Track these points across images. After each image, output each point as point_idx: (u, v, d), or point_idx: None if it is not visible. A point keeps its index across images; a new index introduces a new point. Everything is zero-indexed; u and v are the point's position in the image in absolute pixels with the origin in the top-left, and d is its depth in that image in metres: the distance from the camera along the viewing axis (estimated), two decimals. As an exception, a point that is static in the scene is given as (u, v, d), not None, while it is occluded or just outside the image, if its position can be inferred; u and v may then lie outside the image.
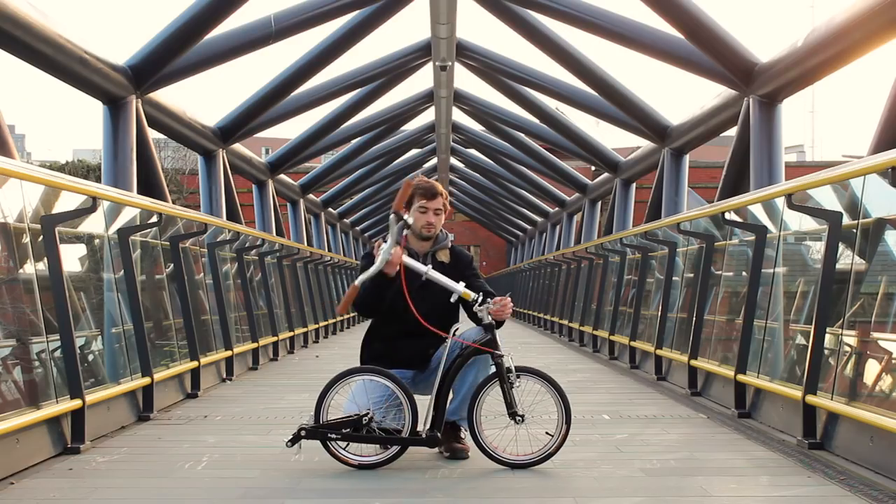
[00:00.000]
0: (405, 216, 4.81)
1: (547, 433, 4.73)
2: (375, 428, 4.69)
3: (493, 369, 4.78)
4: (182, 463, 4.92)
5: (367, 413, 4.67)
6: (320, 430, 4.68)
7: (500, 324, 4.84)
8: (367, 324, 5.17)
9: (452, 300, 4.82)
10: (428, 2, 12.20)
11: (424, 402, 4.81)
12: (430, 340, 4.94)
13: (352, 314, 20.92)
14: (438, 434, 4.72)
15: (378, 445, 4.75)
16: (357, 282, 4.80)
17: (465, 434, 4.95)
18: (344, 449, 4.72)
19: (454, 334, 4.82)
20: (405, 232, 4.91)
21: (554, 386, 4.74)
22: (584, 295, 14.33)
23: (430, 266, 4.89)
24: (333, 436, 4.68)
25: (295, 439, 4.65)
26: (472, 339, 4.80)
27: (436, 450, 5.01)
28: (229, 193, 14.64)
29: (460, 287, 4.79)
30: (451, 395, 4.85)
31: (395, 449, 4.71)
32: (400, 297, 4.81)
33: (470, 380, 4.81)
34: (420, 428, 4.72)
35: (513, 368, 4.70)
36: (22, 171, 4.93)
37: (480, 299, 4.76)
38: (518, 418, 4.66)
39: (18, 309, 5.28)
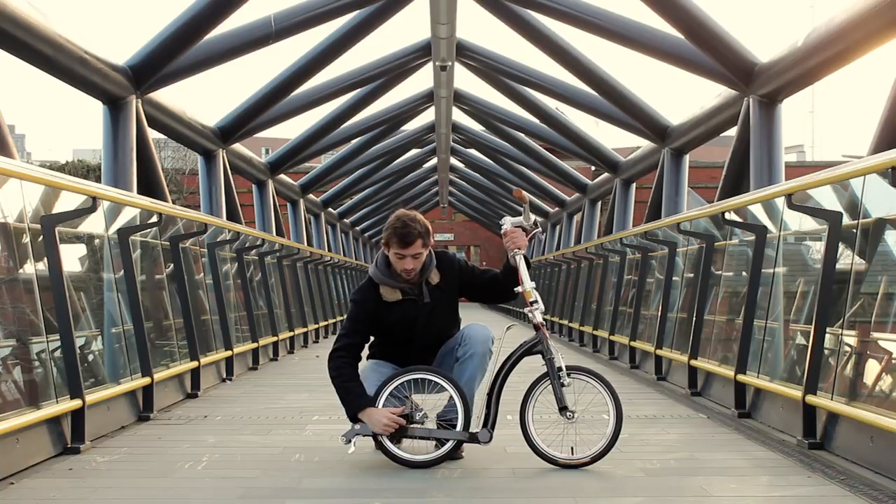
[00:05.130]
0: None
1: (596, 433, 4.71)
2: (426, 425, 4.74)
3: (541, 367, 4.79)
4: (182, 463, 4.92)
5: (421, 410, 4.73)
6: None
7: (528, 262, 4.86)
8: None
9: (517, 290, 4.83)
10: (428, 2, 12.20)
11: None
12: (430, 348, 4.98)
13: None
14: (491, 432, 4.74)
15: (431, 443, 4.76)
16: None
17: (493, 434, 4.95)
18: (396, 446, 4.74)
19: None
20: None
21: (605, 383, 4.74)
22: (583, 295, 14.34)
23: (524, 283, 4.84)
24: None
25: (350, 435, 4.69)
26: (479, 336, 4.84)
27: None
28: (229, 193, 14.63)
29: (528, 286, 4.79)
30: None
31: (448, 446, 4.72)
32: (409, 327, 4.88)
33: (466, 377, 4.82)
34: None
35: (563, 367, 4.70)
36: (22, 171, 4.93)
37: (534, 299, 4.77)
38: (569, 414, 4.65)
39: (18, 309, 5.28)
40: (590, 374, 4.77)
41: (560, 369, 4.68)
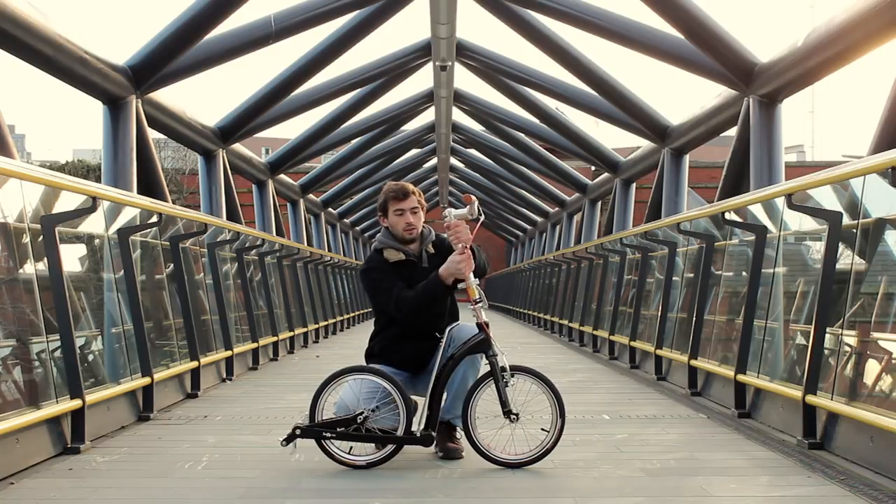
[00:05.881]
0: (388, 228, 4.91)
1: (542, 429, 4.72)
2: (371, 427, 4.69)
3: (484, 366, 4.79)
4: (182, 463, 4.92)
5: (362, 412, 4.68)
6: (315, 430, 4.68)
7: (482, 271, 4.84)
8: (368, 325, 5.19)
9: (459, 286, 4.80)
10: (428, 2, 12.20)
11: (420, 402, 4.82)
12: (428, 344, 4.96)
13: (352, 314, 20.91)
14: (433, 433, 4.73)
15: (373, 445, 4.75)
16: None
17: (460, 434, 4.95)
18: (339, 449, 4.73)
19: (449, 332, 4.85)
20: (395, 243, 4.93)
21: (548, 384, 4.74)
22: (584, 295, 14.33)
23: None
24: (328, 435, 4.69)
25: (290, 438, 4.66)
26: (467, 336, 4.81)
27: (433, 450, 5.01)
28: (229, 193, 14.64)
29: (473, 282, 4.77)
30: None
31: (389, 448, 4.71)
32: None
33: (459, 377, 4.82)
34: (415, 427, 4.72)
35: (507, 367, 4.70)
36: (22, 171, 4.93)
37: (478, 298, 4.76)
38: (513, 417, 4.66)
39: (18, 309, 5.28)
40: (533, 375, 4.76)
41: (504, 369, 4.68)
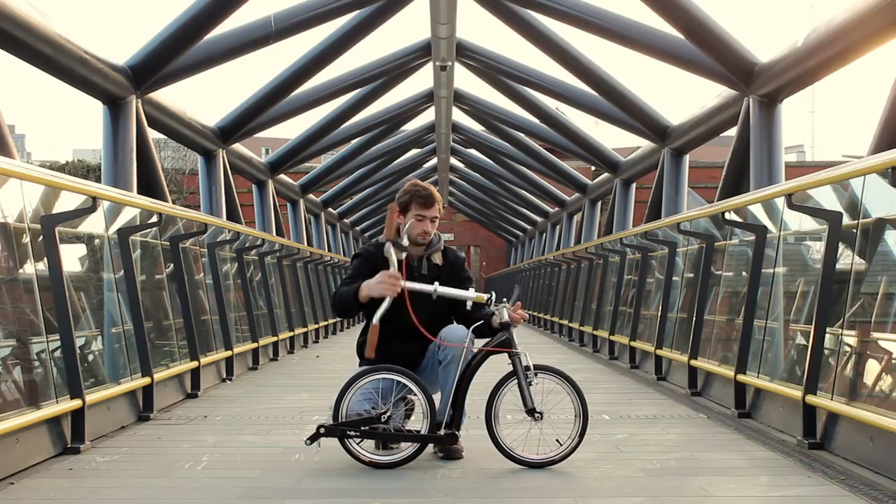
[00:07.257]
0: (402, 225, 4.91)
1: (562, 434, 4.73)
2: (392, 427, 4.70)
3: (507, 366, 4.79)
4: (182, 463, 4.92)
5: (386, 411, 4.69)
6: (339, 429, 4.69)
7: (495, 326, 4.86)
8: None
9: (468, 307, 4.83)
10: (428, 2, 12.20)
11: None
12: (419, 343, 4.96)
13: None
14: (457, 432, 4.74)
15: (395, 444, 4.76)
16: (375, 320, 4.78)
17: (459, 434, 4.95)
18: (362, 448, 4.73)
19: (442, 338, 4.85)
20: (404, 242, 4.91)
21: (571, 383, 4.75)
22: (584, 295, 14.34)
23: (435, 285, 4.87)
24: (352, 434, 4.69)
25: (314, 437, 4.67)
26: (457, 338, 4.81)
27: (433, 450, 5.01)
28: (229, 193, 14.63)
29: (472, 294, 4.83)
30: (439, 396, 4.87)
31: (413, 448, 4.72)
32: (396, 304, 4.85)
33: (451, 378, 4.80)
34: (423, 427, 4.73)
35: (531, 366, 4.70)
36: (22, 171, 4.94)
37: (493, 298, 4.77)
38: (537, 415, 4.66)
39: (18, 309, 5.28)
40: (556, 374, 4.78)
41: (528, 368, 4.69)
